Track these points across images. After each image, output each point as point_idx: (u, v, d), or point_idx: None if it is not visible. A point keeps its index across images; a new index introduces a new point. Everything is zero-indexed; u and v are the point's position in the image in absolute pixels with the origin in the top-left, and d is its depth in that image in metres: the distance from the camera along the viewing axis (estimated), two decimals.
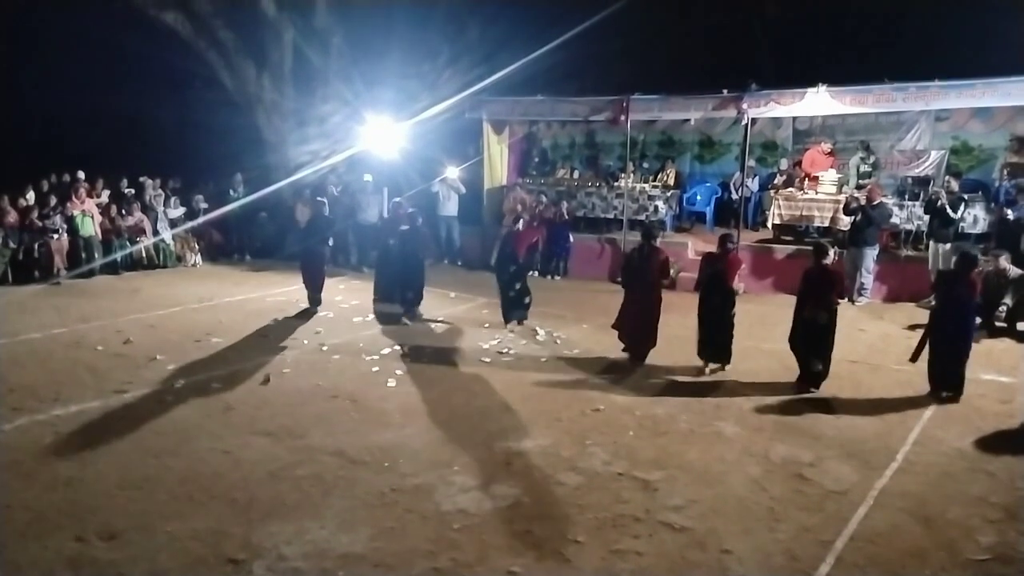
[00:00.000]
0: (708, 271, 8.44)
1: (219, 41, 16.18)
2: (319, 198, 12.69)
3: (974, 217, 11.82)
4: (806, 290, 7.73)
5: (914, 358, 7.70)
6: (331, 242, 11.92)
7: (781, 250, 13.06)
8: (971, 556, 4.74)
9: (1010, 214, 10.80)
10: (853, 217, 11.58)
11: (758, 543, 4.85)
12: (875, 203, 11.35)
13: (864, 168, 13.42)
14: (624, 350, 8.83)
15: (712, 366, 8.42)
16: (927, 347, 7.60)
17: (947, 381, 7.50)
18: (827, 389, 7.69)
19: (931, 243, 11.38)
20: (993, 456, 6.18)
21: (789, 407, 7.29)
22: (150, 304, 11.40)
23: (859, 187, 12.84)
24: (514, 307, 10.42)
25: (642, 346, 8.71)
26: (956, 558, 4.72)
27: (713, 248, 8.82)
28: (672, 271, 13.18)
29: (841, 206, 12.21)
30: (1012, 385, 7.90)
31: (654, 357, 8.73)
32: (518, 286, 10.44)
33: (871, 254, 11.21)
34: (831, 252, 7.97)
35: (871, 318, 10.75)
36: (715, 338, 8.34)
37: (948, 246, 11.06)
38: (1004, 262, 9.85)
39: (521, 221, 11.34)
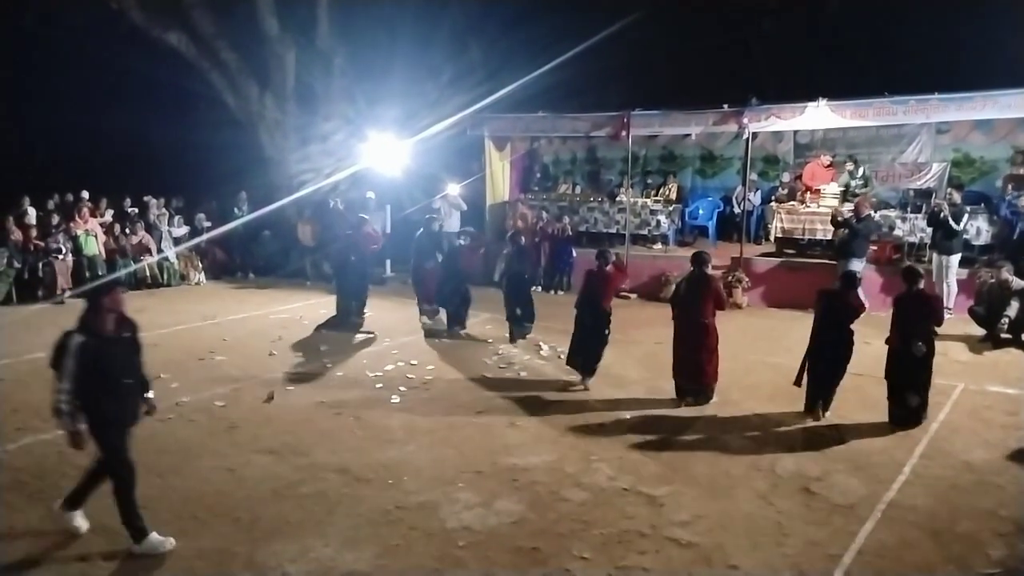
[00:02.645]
0: (585, 289, 8.43)
1: (222, 61, 16.30)
2: (430, 215, 12.39)
3: (977, 228, 11.83)
4: (900, 318, 7.07)
5: (797, 381, 7.34)
6: (439, 257, 11.57)
7: (784, 263, 13.05)
8: (981, 570, 4.70)
9: None
10: (842, 230, 11.61)
11: (765, 558, 4.82)
12: (862, 216, 11.35)
13: (854, 182, 13.43)
14: (677, 394, 7.78)
15: (583, 380, 8.27)
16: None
17: (819, 399, 7.28)
18: (834, 403, 7.64)
19: (934, 255, 11.36)
20: (1002, 468, 6.13)
21: (795, 421, 7.25)
22: (154, 322, 11.38)
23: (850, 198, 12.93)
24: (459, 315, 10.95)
25: (701, 384, 7.71)
26: (966, 572, 4.68)
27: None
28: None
29: (829, 219, 12.24)
30: (1018, 397, 7.86)
31: (658, 373, 8.69)
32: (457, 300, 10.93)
33: (858, 266, 11.16)
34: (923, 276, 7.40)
35: (876, 331, 10.69)
36: (585, 346, 8.26)
37: (951, 257, 11.06)
38: (1006, 273, 9.83)
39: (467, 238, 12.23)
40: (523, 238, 11.25)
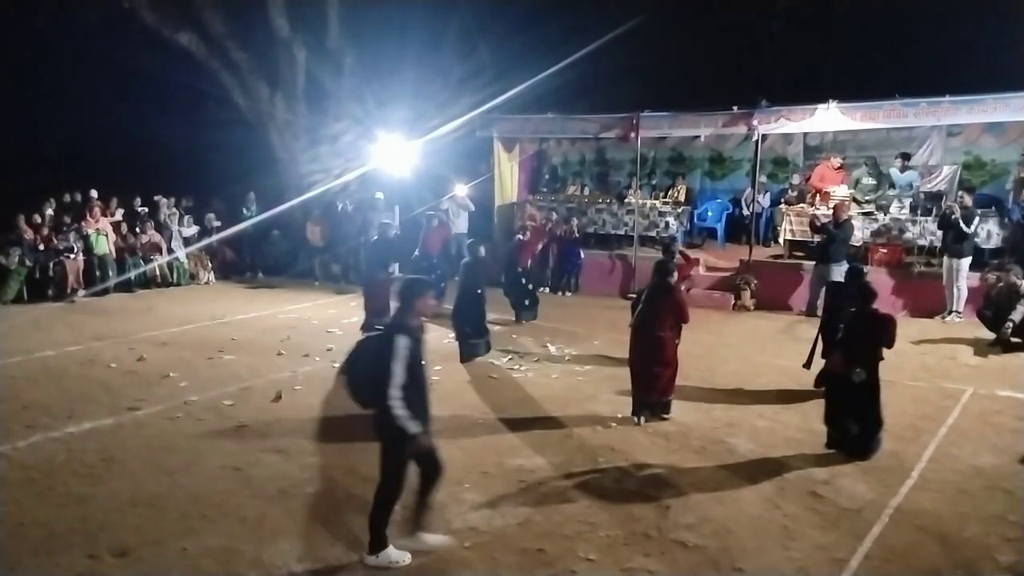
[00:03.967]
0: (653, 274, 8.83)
1: (233, 61, 16.37)
2: (385, 221, 11.96)
3: (987, 232, 11.75)
4: (847, 338, 6.55)
5: (808, 364, 7.93)
6: (394, 270, 11.09)
7: (793, 266, 13.00)
8: (989, 575, 4.67)
9: None
10: (821, 235, 11.60)
11: (772, 561, 4.80)
12: (841, 221, 11.30)
13: (868, 182, 13.34)
14: (635, 410, 7.36)
15: None
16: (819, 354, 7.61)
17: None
18: None
19: (945, 258, 11.30)
20: (1011, 473, 6.10)
21: (802, 423, 7.22)
22: (163, 322, 11.47)
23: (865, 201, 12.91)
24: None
25: (658, 399, 7.35)
26: None
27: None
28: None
29: (807, 223, 12.27)
30: None
31: None
32: (516, 292, 11.60)
33: (837, 271, 11.08)
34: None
35: None
36: None
37: (962, 260, 11.00)
38: (1014, 277, 9.76)
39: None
40: (483, 249, 10.09)
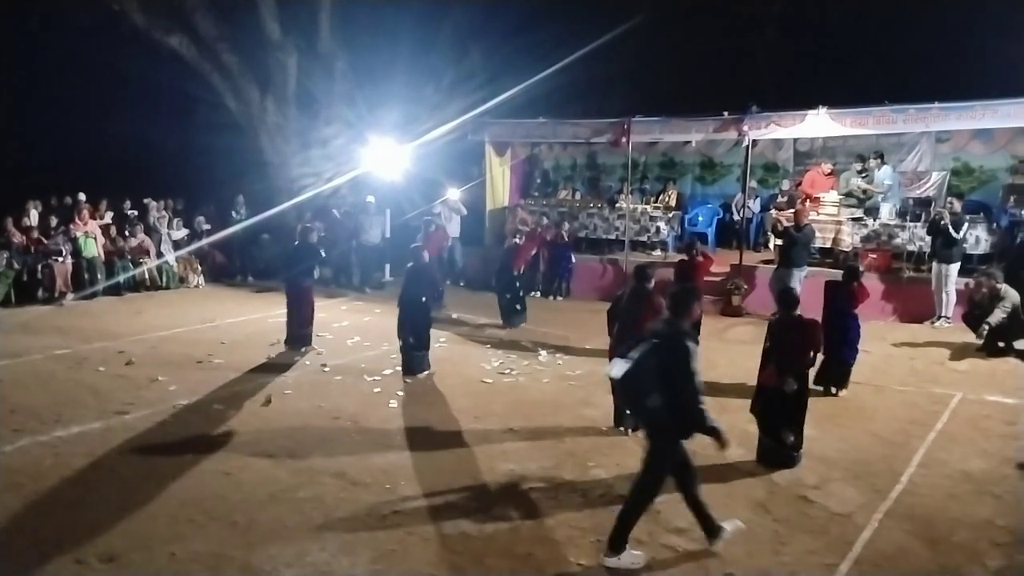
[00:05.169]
0: (679, 275, 9.69)
1: (223, 64, 16.31)
2: (307, 224, 11.41)
3: (976, 237, 11.84)
4: (772, 347, 6.46)
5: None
6: (316, 274, 10.76)
7: None
8: None
9: None
10: (781, 239, 11.67)
11: (762, 566, 4.81)
12: (802, 225, 11.34)
13: (856, 182, 13.35)
14: (617, 420, 7.22)
15: None
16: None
17: (832, 380, 8.15)
18: (831, 410, 7.64)
19: (934, 263, 11.37)
20: (999, 478, 6.13)
21: None
22: (152, 325, 11.41)
23: (857, 204, 12.99)
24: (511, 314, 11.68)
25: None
26: None
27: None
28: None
29: (769, 227, 12.37)
30: (1017, 406, 7.84)
31: None
32: (508, 295, 11.77)
33: (798, 275, 11.10)
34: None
35: (874, 339, 10.69)
36: None
37: (951, 266, 11.07)
38: (995, 281, 9.82)
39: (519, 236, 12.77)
40: (427, 253, 9.65)
